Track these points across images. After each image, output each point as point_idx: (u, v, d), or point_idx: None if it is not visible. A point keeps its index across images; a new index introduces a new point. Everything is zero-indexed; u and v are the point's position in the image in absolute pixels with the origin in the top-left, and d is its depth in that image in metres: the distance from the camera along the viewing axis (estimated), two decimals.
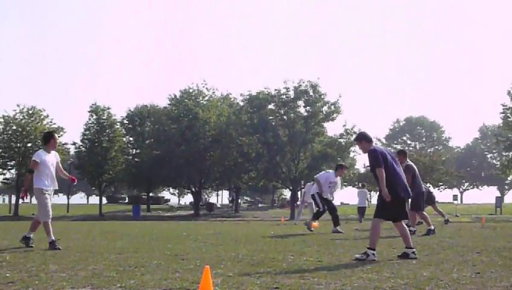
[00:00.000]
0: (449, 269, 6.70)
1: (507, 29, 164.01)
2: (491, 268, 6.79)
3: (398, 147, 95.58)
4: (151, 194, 75.01)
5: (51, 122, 57.35)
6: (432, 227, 13.79)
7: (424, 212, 14.24)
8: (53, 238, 9.86)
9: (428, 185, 42.45)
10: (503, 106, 50.28)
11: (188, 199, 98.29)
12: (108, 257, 8.28)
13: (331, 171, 16.51)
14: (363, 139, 8.68)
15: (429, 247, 9.79)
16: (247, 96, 56.50)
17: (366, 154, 8.50)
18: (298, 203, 23.76)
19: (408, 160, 13.99)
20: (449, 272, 6.43)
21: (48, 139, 10.51)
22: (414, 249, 8.09)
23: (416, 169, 14.25)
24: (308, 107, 55.15)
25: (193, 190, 63.72)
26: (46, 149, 10.33)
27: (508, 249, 9.27)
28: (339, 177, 16.27)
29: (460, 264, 7.24)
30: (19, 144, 56.06)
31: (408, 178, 13.29)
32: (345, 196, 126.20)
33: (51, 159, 10.25)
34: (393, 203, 8.14)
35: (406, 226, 8.42)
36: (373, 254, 7.86)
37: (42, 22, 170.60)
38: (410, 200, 13.38)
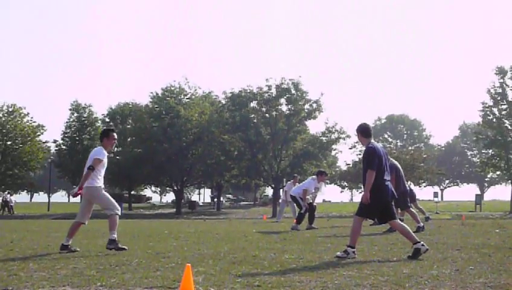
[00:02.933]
0: (429, 266, 6.75)
1: (487, 27, 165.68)
2: (470, 265, 6.85)
3: (380, 144, 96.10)
4: (132, 193, 74.67)
5: (31, 120, 56.89)
6: (421, 224, 13.98)
7: (412, 209, 14.52)
8: (115, 236, 9.04)
9: (409, 183, 42.69)
10: (483, 104, 50.82)
11: (170, 197, 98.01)
12: (89, 256, 8.24)
13: (314, 177, 17.01)
14: (360, 132, 8.48)
15: (409, 244, 9.85)
16: (229, 94, 56.45)
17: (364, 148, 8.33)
18: (280, 201, 23.89)
19: (391, 159, 14.00)
20: (429, 269, 6.48)
21: (107, 134, 9.65)
22: (421, 242, 7.80)
23: (400, 168, 14.37)
24: (290, 105, 55.24)
25: (175, 188, 63.52)
26: (105, 147, 9.56)
27: (487, 246, 9.36)
28: (322, 182, 17.11)
29: (440, 261, 7.30)
30: None
31: (392, 177, 13.58)
32: (327, 194, 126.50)
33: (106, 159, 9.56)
34: (378, 204, 8.05)
35: (403, 224, 8.30)
36: (353, 252, 7.86)
37: (22, 19, 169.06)
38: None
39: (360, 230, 8.30)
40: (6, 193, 56.11)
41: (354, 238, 8.05)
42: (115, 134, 9.70)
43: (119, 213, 9.29)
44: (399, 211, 14.40)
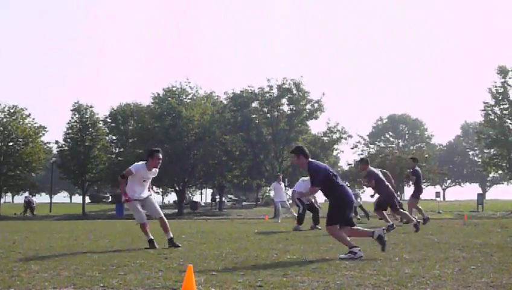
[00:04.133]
0: (431, 266, 6.75)
1: (488, 26, 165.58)
2: (472, 264, 6.85)
3: (381, 144, 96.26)
4: None
5: (32, 121, 56.89)
6: (391, 222, 14.14)
7: (384, 212, 14.60)
8: (151, 237, 10.19)
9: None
10: (485, 103, 50.75)
11: (172, 197, 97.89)
12: (91, 257, 8.24)
13: (305, 178, 16.28)
14: (301, 154, 8.58)
15: (411, 244, 9.86)
16: (231, 95, 56.48)
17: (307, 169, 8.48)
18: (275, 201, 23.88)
19: (370, 167, 14.47)
20: (431, 269, 6.48)
21: (151, 155, 10.58)
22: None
23: (379, 173, 14.64)
24: (291, 106, 55.26)
25: (177, 188, 63.46)
26: (148, 166, 10.44)
27: (489, 246, 9.36)
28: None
29: (442, 261, 7.30)
30: (0, 143, 55.53)
31: (370, 184, 13.99)
32: None
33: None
34: (343, 209, 8.26)
35: (355, 228, 8.49)
36: (359, 251, 7.85)
37: (23, 20, 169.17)
38: (378, 202, 14.18)
39: (342, 233, 8.25)
40: (28, 194, 56.12)
41: (346, 241, 8.11)
42: (159, 154, 10.50)
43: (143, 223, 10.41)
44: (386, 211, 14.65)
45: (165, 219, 10.31)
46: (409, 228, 14.13)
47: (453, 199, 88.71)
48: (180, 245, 9.92)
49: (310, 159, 8.54)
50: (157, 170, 10.58)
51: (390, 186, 14.60)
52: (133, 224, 21.46)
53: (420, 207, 17.87)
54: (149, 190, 10.67)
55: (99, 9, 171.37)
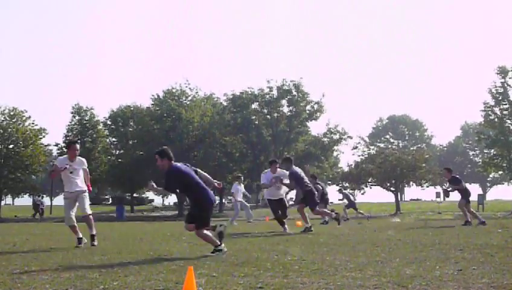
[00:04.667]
0: (432, 267, 6.74)
1: (488, 27, 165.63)
2: (473, 265, 6.84)
3: (382, 145, 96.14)
4: (134, 195, 74.71)
5: (33, 123, 56.90)
6: (309, 225, 14.31)
7: (305, 212, 14.64)
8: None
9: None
10: (485, 104, 50.75)
11: (172, 199, 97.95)
12: (91, 259, 8.24)
13: (266, 170, 15.63)
14: (165, 157, 8.70)
15: (412, 245, 9.85)
16: (231, 96, 56.56)
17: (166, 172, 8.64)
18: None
19: (293, 166, 14.56)
20: (432, 270, 6.47)
21: (67, 147, 11.46)
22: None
23: (301, 172, 14.80)
24: (291, 107, 55.33)
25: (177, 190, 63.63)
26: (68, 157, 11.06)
27: (490, 246, 9.35)
28: (279, 171, 14.95)
29: (442, 261, 7.29)
30: (0, 146, 55.52)
31: (291, 184, 14.42)
32: (329, 195, 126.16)
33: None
34: (208, 210, 8.65)
35: (206, 232, 8.66)
36: (223, 247, 8.48)
37: (24, 22, 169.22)
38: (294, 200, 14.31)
39: (208, 234, 8.61)
40: (37, 196, 56.09)
41: (213, 240, 8.55)
42: (76, 145, 11.15)
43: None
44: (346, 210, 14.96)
45: (91, 217, 11.10)
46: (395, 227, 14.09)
47: (453, 199, 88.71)
48: (95, 244, 10.72)
49: (173, 162, 8.70)
50: (84, 160, 11.28)
51: (310, 185, 14.72)
52: (134, 225, 21.46)
53: (469, 210, 18.06)
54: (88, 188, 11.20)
55: (99, 11, 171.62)
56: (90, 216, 11.04)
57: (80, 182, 10.94)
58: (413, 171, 50.54)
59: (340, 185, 48.02)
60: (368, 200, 76.54)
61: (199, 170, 9.14)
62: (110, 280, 6.01)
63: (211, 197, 8.71)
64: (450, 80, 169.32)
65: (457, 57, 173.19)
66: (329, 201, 25.90)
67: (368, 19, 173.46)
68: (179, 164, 8.77)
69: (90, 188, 11.47)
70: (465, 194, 18.25)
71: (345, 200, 29.56)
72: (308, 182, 14.89)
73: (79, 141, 53.64)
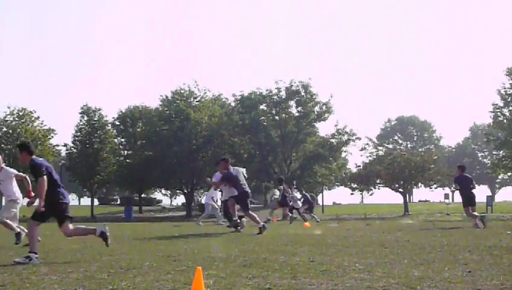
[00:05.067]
0: (440, 268, 6.72)
1: (497, 28, 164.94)
2: (482, 267, 6.81)
3: (390, 146, 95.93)
4: (143, 195, 74.85)
5: (41, 124, 57.14)
6: (261, 224, 14.27)
7: (252, 212, 14.73)
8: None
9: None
10: (493, 105, 50.58)
11: (180, 200, 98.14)
12: (99, 259, 8.26)
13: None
14: (25, 150, 8.67)
15: (420, 246, 9.82)
16: (239, 97, 56.58)
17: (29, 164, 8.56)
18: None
19: (236, 167, 15.22)
20: (440, 271, 6.45)
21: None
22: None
23: (238, 172, 14.97)
24: (299, 108, 55.30)
25: (185, 190, 63.63)
26: None
27: (499, 248, 9.31)
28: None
29: (451, 263, 7.26)
30: (9, 146, 55.76)
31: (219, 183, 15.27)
32: (337, 196, 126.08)
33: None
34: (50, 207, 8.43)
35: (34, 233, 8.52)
36: (36, 258, 8.06)
37: (33, 23, 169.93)
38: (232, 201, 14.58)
39: (37, 234, 8.57)
40: None
41: (34, 244, 8.31)
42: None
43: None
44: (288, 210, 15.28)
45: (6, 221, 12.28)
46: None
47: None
48: (18, 243, 11.59)
49: (33, 157, 8.65)
50: (10, 170, 12.69)
51: (245, 186, 14.81)
52: (141, 226, 21.51)
53: (473, 214, 17.74)
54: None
55: (108, 12, 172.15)
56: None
57: (7, 190, 12.32)
58: (422, 173, 50.45)
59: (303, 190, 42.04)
60: (377, 201, 76.32)
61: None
62: (118, 281, 6.03)
63: (66, 196, 8.79)
64: (458, 81, 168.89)
65: (466, 58, 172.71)
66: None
67: (377, 21, 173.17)
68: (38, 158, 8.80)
69: (32, 194, 10.80)
70: (463, 197, 17.98)
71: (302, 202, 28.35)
72: (245, 183, 15.00)
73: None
